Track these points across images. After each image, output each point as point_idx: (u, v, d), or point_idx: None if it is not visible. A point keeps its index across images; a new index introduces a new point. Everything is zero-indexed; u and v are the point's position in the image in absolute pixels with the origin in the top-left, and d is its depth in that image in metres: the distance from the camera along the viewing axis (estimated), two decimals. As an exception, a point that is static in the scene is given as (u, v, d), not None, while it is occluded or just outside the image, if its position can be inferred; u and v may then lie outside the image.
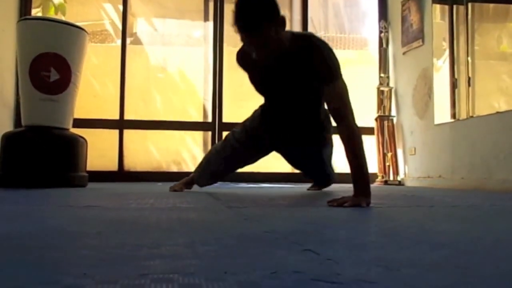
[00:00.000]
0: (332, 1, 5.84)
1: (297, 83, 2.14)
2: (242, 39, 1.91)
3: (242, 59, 2.27)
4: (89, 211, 1.56)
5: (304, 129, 2.46)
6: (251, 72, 2.28)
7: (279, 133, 2.51)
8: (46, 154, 3.10)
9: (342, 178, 4.12)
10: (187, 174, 3.09)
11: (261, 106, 2.60)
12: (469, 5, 3.96)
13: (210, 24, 5.00)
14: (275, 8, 1.83)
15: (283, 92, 2.27)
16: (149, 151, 4.88)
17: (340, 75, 1.93)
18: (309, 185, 3.18)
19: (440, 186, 3.89)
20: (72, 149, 3.25)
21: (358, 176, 1.81)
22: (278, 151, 2.68)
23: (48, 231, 1.05)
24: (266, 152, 2.71)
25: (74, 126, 3.48)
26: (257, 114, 2.59)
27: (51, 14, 4.74)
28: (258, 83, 2.31)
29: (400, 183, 4.59)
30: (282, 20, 1.86)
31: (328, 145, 2.64)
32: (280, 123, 2.47)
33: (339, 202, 1.74)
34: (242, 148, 2.62)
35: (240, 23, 1.83)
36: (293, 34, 2.00)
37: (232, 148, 2.64)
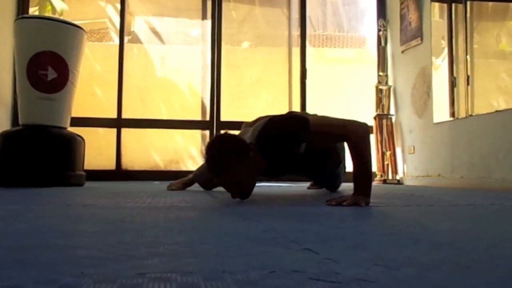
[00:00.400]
0: (331, 0, 5.84)
1: (288, 163, 2.18)
2: (219, 182, 1.95)
3: None
4: (86, 210, 1.56)
5: (312, 166, 2.47)
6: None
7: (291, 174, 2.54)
8: (43, 153, 3.09)
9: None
10: (185, 172, 3.09)
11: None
12: (468, 3, 3.97)
13: (208, 22, 4.99)
14: (245, 150, 1.85)
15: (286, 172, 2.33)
16: (147, 150, 4.88)
17: (306, 120, 1.88)
18: (308, 183, 3.18)
19: (439, 185, 3.90)
20: (70, 148, 3.24)
21: (360, 175, 1.80)
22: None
23: (46, 230, 1.05)
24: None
25: (72, 124, 3.48)
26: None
27: (48, 13, 4.74)
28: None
29: (399, 182, 4.59)
30: (251, 157, 1.87)
31: (340, 162, 2.62)
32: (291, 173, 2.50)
33: (338, 201, 1.74)
34: None
35: (214, 169, 1.87)
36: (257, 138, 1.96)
37: None
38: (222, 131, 4.68)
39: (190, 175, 2.91)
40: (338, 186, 2.79)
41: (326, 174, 2.61)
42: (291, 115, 2.17)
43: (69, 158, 3.22)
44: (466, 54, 3.86)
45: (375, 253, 0.81)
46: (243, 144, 1.87)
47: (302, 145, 2.01)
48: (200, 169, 2.84)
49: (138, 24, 5.29)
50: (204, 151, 1.94)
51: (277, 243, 0.90)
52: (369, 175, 1.84)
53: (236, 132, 2.68)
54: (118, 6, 4.90)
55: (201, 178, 2.79)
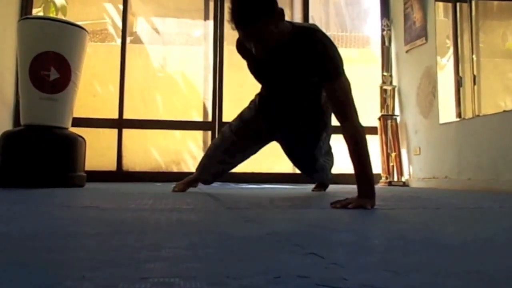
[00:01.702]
0: (333, 0, 5.83)
1: (296, 76, 2.13)
2: (240, 35, 1.93)
3: (241, 48, 2.25)
4: (87, 212, 1.55)
5: (303, 114, 2.46)
6: (250, 61, 2.28)
7: (277, 118, 2.51)
8: (44, 153, 3.09)
9: (346, 179, 4.12)
10: (186, 174, 3.08)
11: (257, 94, 2.60)
12: (473, 2, 3.95)
13: (210, 23, 4.99)
14: (272, 1, 1.81)
15: (281, 83, 2.26)
16: (148, 151, 4.88)
17: (343, 72, 1.90)
18: (312, 185, 3.16)
19: (446, 187, 3.88)
20: (71, 148, 3.24)
21: (362, 176, 1.79)
22: (275, 138, 2.66)
23: (47, 232, 1.04)
24: (264, 142, 2.69)
25: (73, 125, 3.48)
26: (254, 104, 2.59)
27: (52, 14, 4.75)
28: (256, 73, 2.32)
29: (404, 184, 4.57)
30: (280, 13, 1.85)
31: (327, 130, 2.61)
32: (278, 109, 2.47)
33: (343, 204, 1.73)
34: (240, 139, 2.62)
35: (237, 18, 1.83)
36: (294, 27, 1.98)
37: (230, 141, 2.63)
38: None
39: (194, 173, 2.89)
40: (317, 168, 2.74)
41: (309, 139, 2.57)
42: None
43: (70, 159, 3.22)
44: (472, 54, 3.84)
45: (383, 258, 0.79)
46: None
47: (315, 79, 1.97)
48: (203, 162, 2.82)
49: (140, 24, 5.30)
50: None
51: (281, 247, 0.89)
52: (371, 176, 1.82)
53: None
54: (121, 7, 4.90)
55: (203, 175, 2.78)
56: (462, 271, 0.70)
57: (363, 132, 1.85)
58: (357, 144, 1.81)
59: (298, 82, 2.20)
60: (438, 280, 0.63)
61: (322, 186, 3.06)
